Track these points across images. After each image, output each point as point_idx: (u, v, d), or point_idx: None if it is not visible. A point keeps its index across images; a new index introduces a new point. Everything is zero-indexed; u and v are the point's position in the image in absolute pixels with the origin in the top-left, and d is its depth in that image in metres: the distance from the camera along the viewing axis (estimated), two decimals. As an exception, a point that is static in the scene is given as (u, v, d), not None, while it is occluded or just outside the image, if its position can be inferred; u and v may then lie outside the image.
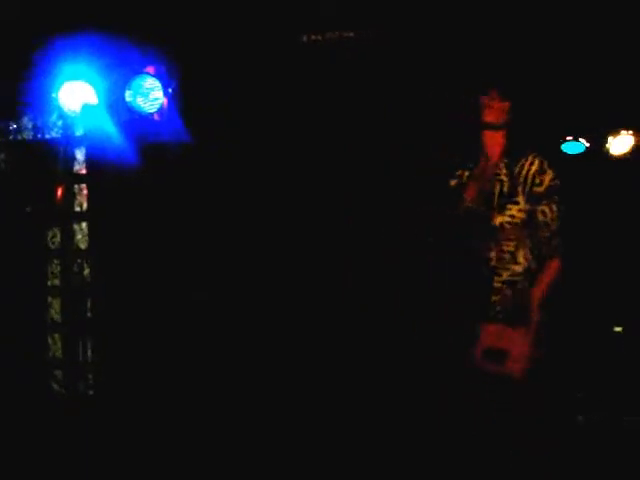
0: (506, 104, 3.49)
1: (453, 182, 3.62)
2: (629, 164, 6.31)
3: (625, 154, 6.28)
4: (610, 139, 6.26)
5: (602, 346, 5.77)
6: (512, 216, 3.46)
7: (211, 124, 5.05)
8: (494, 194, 3.50)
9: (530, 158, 3.52)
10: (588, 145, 6.31)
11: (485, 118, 3.51)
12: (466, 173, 3.59)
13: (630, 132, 6.22)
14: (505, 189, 3.50)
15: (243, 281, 5.43)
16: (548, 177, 3.49)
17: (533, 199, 3.47)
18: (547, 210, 3.46)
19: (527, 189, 3.48)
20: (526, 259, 3.47)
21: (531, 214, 3.47)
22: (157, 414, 4.91)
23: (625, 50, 5.53)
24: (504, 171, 3.52)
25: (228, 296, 5.38)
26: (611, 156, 6.29)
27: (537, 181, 3.48)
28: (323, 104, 5.33)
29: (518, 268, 3.46)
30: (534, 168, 3.49)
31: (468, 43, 4.95)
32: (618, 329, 5.80)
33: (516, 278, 3.45)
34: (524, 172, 3.50)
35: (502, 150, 3.54)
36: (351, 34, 5.00)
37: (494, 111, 3.49)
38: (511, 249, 3.46)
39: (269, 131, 5.24)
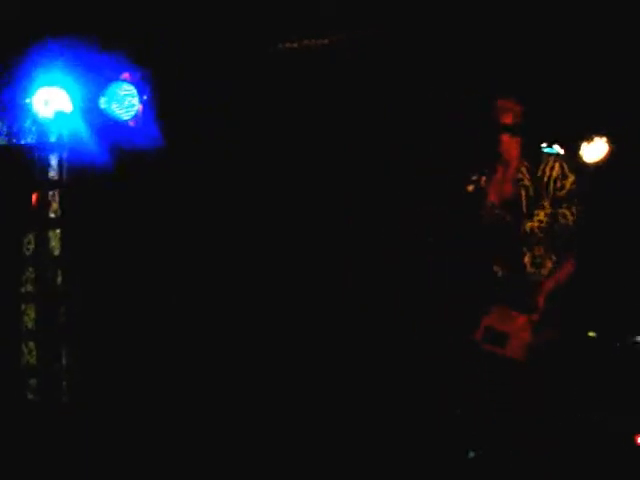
0: (521, 107, 3.49)
1: (470, 187, 3.61)
2: (603, 171, 6.35)
3: (599, 161, 6.31)
4: (584, 145, 6.30)
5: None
6: (540, 221, 3.50)
7: (186, 130, 5.04)
8: (521, 199, 3.52)
9: (550, 162, 3.54)
10: (562, 152, 6.34)
11: (503, 121, 3.50)
12: (483, 178, 3.58)
13: (604, 139, 6.26)
14: (531, 194, 3.52)
15: (235, 283, 5.42)
16: (569, 181, 3.52)
17: (556, 203, 3.52)
18: (568, 213, 3.50)
19: (550, 193, 3.51)
20: (553, 262, 3.51)
21: (554, 217, 3.50)
22: (133, 420, 4.88)
23: (599, 57, 5.58)
24: (527, 176, 3.53)
25: (216, 299, 5.36)
26: (585, 163, 6.33)
27: (559, 185, 3.52)
28: (301, 109, 5.34)
29: (545, 271, 3.50)
30: (555, 172, 3.54)
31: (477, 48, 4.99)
32: (591, 334, 5.84)
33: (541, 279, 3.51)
34: (546, 176, 3.53)
35: (519, 154, 3.54)
36: (328, 40, 5.01)
37: (512, 114, 3.48)
38: (541, 253, 3.50)
39: (245, 136, 5.24)
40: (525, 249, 3.50)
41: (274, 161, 5.36)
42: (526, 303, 3.48)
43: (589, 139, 6.26)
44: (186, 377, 5.13)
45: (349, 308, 5.50)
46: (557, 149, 6.35)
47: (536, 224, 3.50)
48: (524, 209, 3.53)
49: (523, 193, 3.54)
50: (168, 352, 5.16)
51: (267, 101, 5.25)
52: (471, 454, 4.52)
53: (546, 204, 3.51)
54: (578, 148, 6.31)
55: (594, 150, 6.29)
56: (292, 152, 5.37)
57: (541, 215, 3.49)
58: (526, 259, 3.49)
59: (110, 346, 5.05)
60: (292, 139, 5.34)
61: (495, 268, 3.54)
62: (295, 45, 4.92)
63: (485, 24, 5.00)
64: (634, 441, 4.76)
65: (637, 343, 5.77)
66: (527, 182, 3.54)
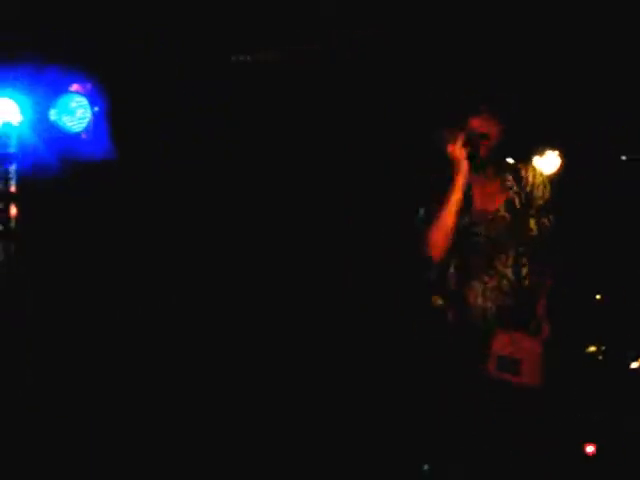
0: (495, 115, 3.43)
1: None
2: (555, 184, 6.42)
3: (552, 174, 6.38)
4: (536, 159, 6.37)
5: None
6: (531, 229, 3.48)
7: (139, 140, 5.02)
8: (514, 206, 3.48)
9: (530, 170, 3.54)
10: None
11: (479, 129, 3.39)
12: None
13: (557, 152, 6.34)
14: (523, 201, 3.50)
15: (218, 287, 5.40)
16: (548, 189, 3.53)
17: (541, 212, 3.50)
18: (547, 222, 3.50)
19: (534, 202, 3.50)
20: (541, 274, 3.53)
21: (540, 227, 3.50)
22: (86, 431, 4.84)
23: (552, 70, 5.65)
24: (514, 182, 3.51)
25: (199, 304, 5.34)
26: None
27: (540, 194, 3.51)
28: (254, 119, 5.35)
29: (538, 285, 3.50)
30: (537, 180, 3.52)
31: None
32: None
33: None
34: (529, 184, 3.51)
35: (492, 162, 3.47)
36: (282, 52, 5.02)
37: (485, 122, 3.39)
38: (531, 265, 3.49)
39: (197, 147, 5.23)
40: (524, 258, 3.48)
41: (203, 176, 5.35)
42: (528, 322, 3.46)
43: (541, 152, 6.34)
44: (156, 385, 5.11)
45: (349, 308, 5.52)
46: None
47: (529, 232, 3.49)
48: (518, 216, 3.52)
49: (516, 200, 3.53)
50: (120, 363, 5.13)
51: (223, 110, 5.24)
52: (425, 467, 4.55)
53: (533, 212, 3.50)
54: (530, 161, 6.38)
55: (547, 163, 6.37)
56: (224, 168, 5.38)
57: (532, 223, 3.49)
58: (524, 269, 3.48)
59: (64, 360, 5.00)
60: (222, 155, 5.35)
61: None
62: (248, 58, 4.92)
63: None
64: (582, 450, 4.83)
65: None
66: (516, 189, 3.52)
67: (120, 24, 4.70)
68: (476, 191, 3.50)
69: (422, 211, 3.52)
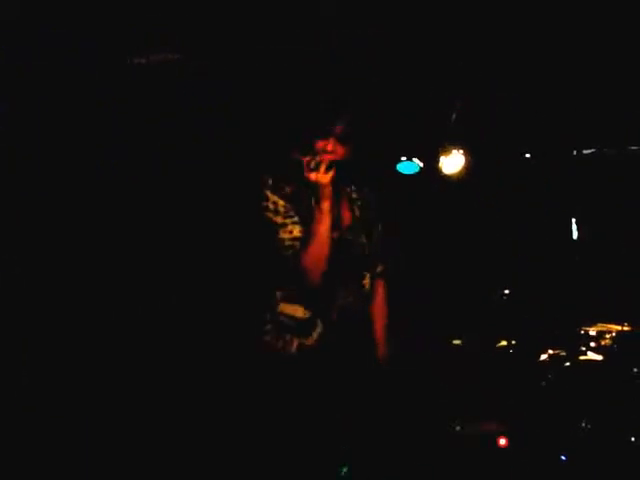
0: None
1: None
2: (461, 183, 6.50)
3: (457, 173, 6.45)
4: (442, 158, 6.42)
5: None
6: (366, 242, 3.41)
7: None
8: (356, 221, 3.41)
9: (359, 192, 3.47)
10: (422, 165, 6.45)
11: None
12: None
13: (461, 151, 6.40)
14: (362, 215, 3.44)
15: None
16: (373, 201, 3.49)
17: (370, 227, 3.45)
18: (376, 233, 3.46)
19: (365, 215, 3.45)
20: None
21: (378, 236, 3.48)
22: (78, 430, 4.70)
23: (455, 68, 5.71)
24: (355, 196, 3.45)
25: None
26: (444, 175, 6.46)
27: (370, 206, 3.47)
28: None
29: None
30: (367, 193, 3.47)
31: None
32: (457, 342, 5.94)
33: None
34: (364, 198, 3.46)
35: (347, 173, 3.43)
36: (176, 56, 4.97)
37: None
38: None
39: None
40: (365, 271, 3.40)
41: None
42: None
43: (447, 152, 6.39)
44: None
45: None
46: (417, 162, 6.47)
47: (367, 245, 3.42)
48: (359, 230, 3.42)
49: (357, 213, 3.43)
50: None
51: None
52: (344, 469, 4.50)
53: (367, 224, 3.44)
54: (437, 161, 6.44)
55: (452, 162, 6.42)
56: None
57: (363, 237, 3.42)
58: (365, 281, 3.42)
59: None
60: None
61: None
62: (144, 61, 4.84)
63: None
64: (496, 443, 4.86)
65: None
66: (357, 201, 3.43)
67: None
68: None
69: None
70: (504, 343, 5.77)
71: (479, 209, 6.71)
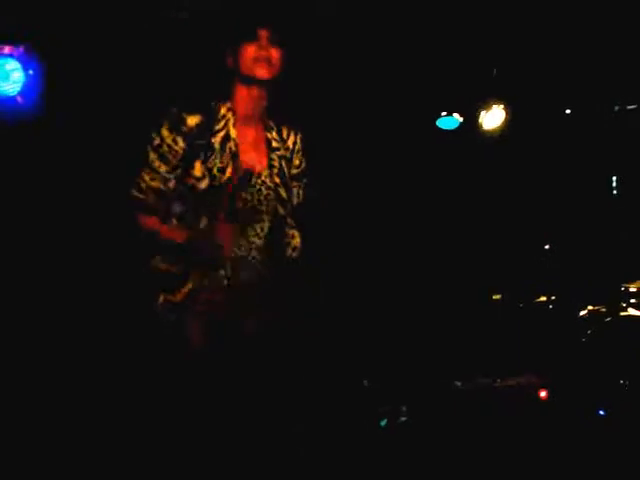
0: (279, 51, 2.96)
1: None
2: (501, 137, 6.46)
3: (497, 128, 6.41)
4: (482, 113, 6.38)
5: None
6: (286, 199, 3.10)
7: (75, 104, 4.90)
8: (277, 171, 3.08)
9: (291, 132, 3.14)
10: (462, 120, 6.42)
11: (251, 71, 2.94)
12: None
13: (501, 106, 6.35)
14: (284, 167, 3.12)
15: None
16: (305, 159, 3.18)
17: (295, 181, 3.15)
18: (302, 193, 3.17)
19: (291, 170, 3.14)
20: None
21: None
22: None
23: (494, 27, 5.65)
24: (275, 144, 3.10)
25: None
26: (484, 130, 6.42)
27: (297, 162, 3.16)
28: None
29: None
30: (297, 146, 3.15)
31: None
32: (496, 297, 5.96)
33: None
34: (289, 150, 3.13)
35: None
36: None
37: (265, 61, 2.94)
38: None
39: (133, 115, 5.08)
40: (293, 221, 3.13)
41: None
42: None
43: (487, 107, 6.35)
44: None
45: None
46: (456, 117, 6.44)
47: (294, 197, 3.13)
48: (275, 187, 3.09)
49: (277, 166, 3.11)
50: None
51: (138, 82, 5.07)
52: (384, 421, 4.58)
53: (290, 181, 3.13)
54: (477, 116, 6.40)
55: (492, 117, 6.38)
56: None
57: (286, 193, 3.10)
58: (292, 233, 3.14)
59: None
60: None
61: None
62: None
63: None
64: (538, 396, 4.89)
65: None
66: (279, 154, 3.10)
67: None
68: (242, 147, 3.03)
69: None
70: (544, 298, 5.77)
71: (519, 165, 6.67)
